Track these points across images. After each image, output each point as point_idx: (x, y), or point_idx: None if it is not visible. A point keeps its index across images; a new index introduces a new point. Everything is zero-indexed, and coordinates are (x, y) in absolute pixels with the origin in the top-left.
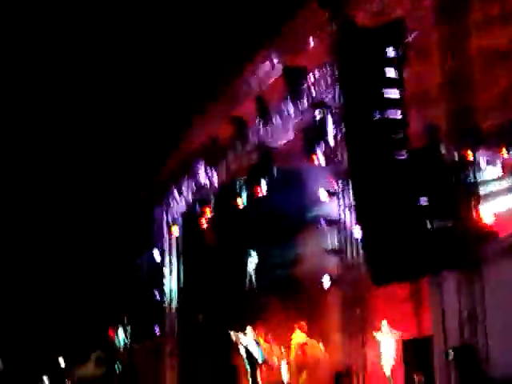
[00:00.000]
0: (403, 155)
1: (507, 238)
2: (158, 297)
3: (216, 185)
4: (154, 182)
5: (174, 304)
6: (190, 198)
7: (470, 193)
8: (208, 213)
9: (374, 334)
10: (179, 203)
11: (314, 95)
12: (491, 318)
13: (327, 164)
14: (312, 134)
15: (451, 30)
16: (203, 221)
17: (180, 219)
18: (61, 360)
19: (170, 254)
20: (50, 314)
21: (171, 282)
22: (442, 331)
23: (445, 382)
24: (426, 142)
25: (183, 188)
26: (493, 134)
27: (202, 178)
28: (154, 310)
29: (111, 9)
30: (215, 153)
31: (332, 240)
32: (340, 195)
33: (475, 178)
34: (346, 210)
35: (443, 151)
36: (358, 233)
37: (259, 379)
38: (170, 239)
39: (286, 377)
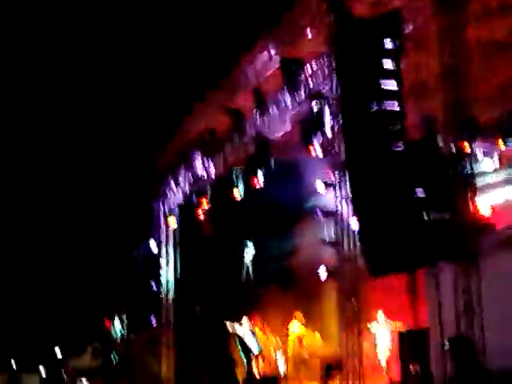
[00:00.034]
0: (400, 147)
1: (504, 229)
2: (154, 288)
3: (213, 176)
4: (150, 172)
5: (171, 295)
6: (187, 189)
7: (467, 185)
8: (205, 204)
9: (369, 325)
10: (176, 194)
11: (311, 86)
12: (488, 310)
13: (324, 155)
14: (309, 125)
15: (449, 20)
16: (200, 212)
17: (177, 210)
18: (57, 351)
19: (167, 245)
20: (47, 305)
21: (168, 273)
22: (438, 323)
23: (441, 373)
24: (423, 134)
25: (180, 179)
26: (490, 126)
27: (199, 169)
28: (151, 301)
29: None
30: (212, 144)
31: (329, 231)
32: (337, 187)
33: (472, 169)
34: (343, 201)
35: (440, 143)
36: (354, 224)
37: (255, 370)
38: (166, 230)
39: (282, 367)
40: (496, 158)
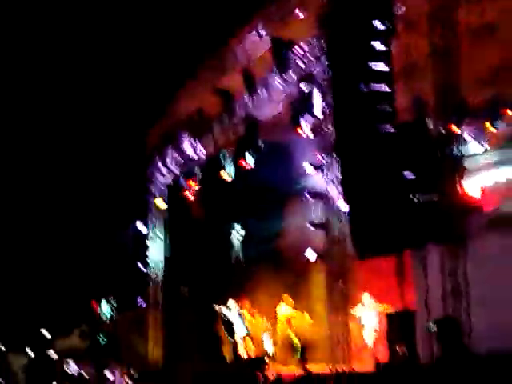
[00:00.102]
0: (390, 129)
1: (492, 212)
2: (142, 269)
3: (202, 157)
4: (139, 153)
5: (159, 276)
6: (176, 170)
7: (456, 167)
8: (194, 185)
9: (357, 307)
10: (165, 175)
11: (301, 68)
12: (475, 292)
13: (314, 137)
14: (299, 106)
15: (440, 2)
16: (189, 193)
17: (166, 191)
18: (45, 332)
19: (155, 226)
20: (34, 286)
21: (156, 254)
22: (425, 305)
23: (427, 355)
24: (412, 116)
25: (169, 160)
26: (479, 109)
27: (188, 150)
28: (139, 282)
29: None
30: (201, 125)
31: (317, 213)
32: (326, 168)
33: (461, 152)
34: (332, 183)
35: (430, 125)
36: (343, 206)
37: (242, 351)
38: (155, 211)
39: (269, 349)
40: (485, 140)
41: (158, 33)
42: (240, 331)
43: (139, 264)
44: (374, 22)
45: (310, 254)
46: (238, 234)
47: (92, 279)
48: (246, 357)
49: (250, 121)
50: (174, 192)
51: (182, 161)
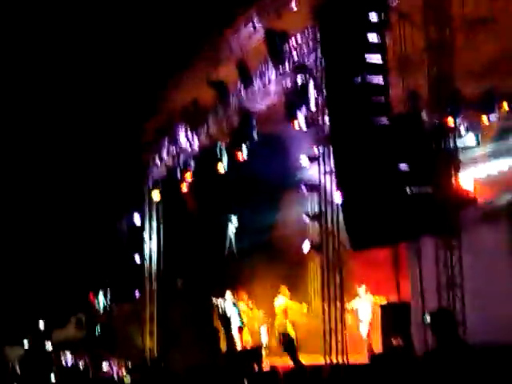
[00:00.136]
0: (384, 121)
1: (486, 204)
2: (137, 260)
3: (197, 149)
4: (133, 145)
5: (154, 268)
6: (171, 162)
7: (450, 159)
8: (188, 177)
9: (352, 299)
10: (159, 167)
11: (295, 59)
12: (469, 284)
13: (308, 128)
14: (293, 98)
15: None
16: (184, 185)
17: (160, 183)
18: (41, 323)
19: (150, 218)
20: (30, 277)
21: (151, 246)
22: (419, 296)
23: (422, 347)
24: (407, 108)
25: (163, 152)
26: (474, 101)
27: (183, 142)
28: (134, 273)
29: None
30: (196, 116)
31: (312, 205)
32: (321, 160)
33: (456, 144)
34: (327, 175)
35: (424, 117)
36: (338, 198)
37: (238, 343)
38: (150, 203)
39: (264, 339)
40: (479, 132)
41: (152, 24)
42: (236, 323)
43: (135, 256)
44: (368, 13)
45: (305, 246)
46: (232, 226)
47: (87, 271)
48: (241, 348)
49: (245, 112)
50: (168, 184)
51: (177, 153)
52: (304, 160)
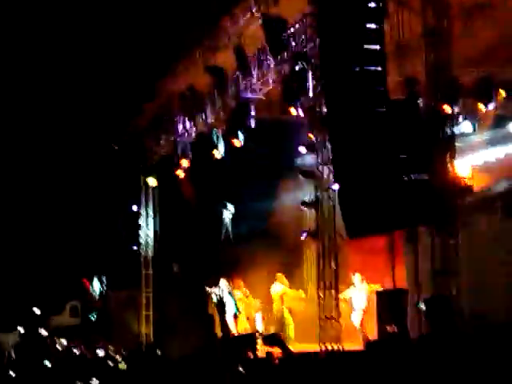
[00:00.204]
0: (381, 108)
1: (482, 191)
2: (133, 246)
3: (193, 135)
4: (130, 131)
5: (150, 254)
6: (167, 148)
7: (447, 146)
8: (185, 163)
9: (348, 287)
10: (156, 153)
11: (293, 47)
12: (464, 271)
13: (306, 116)
14: (291, 85)
15: None
16: (180, 172)
17: (157, 169)
18: (36, 309)
19: (147, 204)
20: (25, 264)
21: (147, 232)
22: (415, 283)
23: (417, 333)
24: (404, 95)
25: (160, 138)
26: (471, 88)
27: (180, 129)
28: (130, 259)
29: None
30: (193, 103)
31: (309, 192)
32: (318, 147)
33: (452, 131)
34: (324, 162)
35: (421, 104)
36: (334, 185)
37: (233, 330)
38: (146, 189)
39: (260, 327)
40: (476, 119)
41: (151, 11)
42: (231, 311)
43: (131, 242)
44: (366, 0)
45: (302, 233)
46: (228, 213)
47: (83, 257)
48: (236, 334)
49: (242, 99)
50: (165, 170)
51: (174, 139)
52: (301, 147)
